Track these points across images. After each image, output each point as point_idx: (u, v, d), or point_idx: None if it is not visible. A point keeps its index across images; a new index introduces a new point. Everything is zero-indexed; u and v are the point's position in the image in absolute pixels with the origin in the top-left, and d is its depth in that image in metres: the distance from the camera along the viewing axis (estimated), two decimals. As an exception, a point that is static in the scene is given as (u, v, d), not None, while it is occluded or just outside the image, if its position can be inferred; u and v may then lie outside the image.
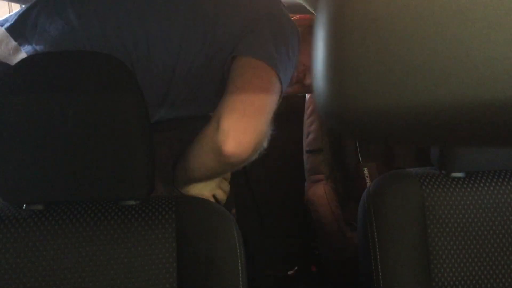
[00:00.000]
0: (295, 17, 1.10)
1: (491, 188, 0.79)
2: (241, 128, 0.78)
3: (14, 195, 0.66)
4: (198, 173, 0.89)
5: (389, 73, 0.21)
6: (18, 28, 0.87)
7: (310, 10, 1.08)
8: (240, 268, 0.70)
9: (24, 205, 0.70)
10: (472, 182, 0.79)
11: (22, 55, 0.85)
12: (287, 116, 1.28)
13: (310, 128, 1.48)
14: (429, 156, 0.84)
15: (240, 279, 0.69)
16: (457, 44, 0.20)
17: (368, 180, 1.37)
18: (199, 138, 0.84)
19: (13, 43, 0.86)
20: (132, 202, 0.72)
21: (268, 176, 1.61)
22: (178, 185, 0.94)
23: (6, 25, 0.88)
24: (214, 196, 0.98)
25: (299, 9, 1.20)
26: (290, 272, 1.60)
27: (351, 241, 1.31)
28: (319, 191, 1.38)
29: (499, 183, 0.79)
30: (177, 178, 0.93)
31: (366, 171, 1.38)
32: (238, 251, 0.70)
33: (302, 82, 1.09)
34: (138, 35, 0.86)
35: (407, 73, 0.21)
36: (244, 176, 1.49)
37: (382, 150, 1.46)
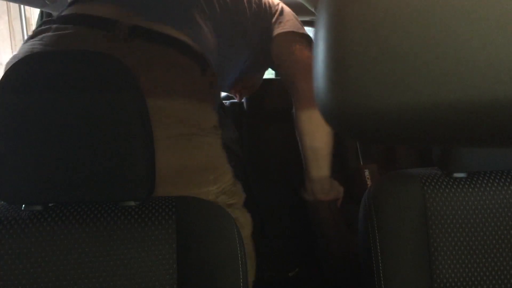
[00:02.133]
0: None
1: (493, 188, 0.78)
2: None
3: (13, 195, 0.66)
4: (326, 153, 1.11)
5: (390, 73, 0.21)
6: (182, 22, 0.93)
7: (311, 9, 1.08)
8: (240, 269, 0.69)
9: (23, 205, 0.70)
10: (474, 182, 0.79)
11: None
12: (287, 115, 1.28)
13: (310, 129, 1.47)
14: (430, 157, 0.84)
15: (241, 280, 0.69)
16: (459, 43, 0.20)
17: (369, 181, 1.37)
18: (308, 128, 1.10)
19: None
20: (132, 203, 0.71)
21: (268, 176, 1.60)
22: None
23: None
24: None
25: (300, 9, 1.21)
26: (291, 274, 1.60)
27: (351, 243, 1.31)
28: None
29: (501, 184, 0.79)
30: (318, 187, 1.17)
31: (367, 173, 1.38)
32: (238, 252, 0.70)
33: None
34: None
35: (408, 73, 0.21)
36: (244, 177, 1.49)
37: (383, 152, 1.46)
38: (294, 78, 1.07)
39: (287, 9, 1.17)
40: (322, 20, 0.23)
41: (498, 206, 0.78)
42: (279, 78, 1.73)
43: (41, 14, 1.51)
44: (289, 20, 1.12)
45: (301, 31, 1.12)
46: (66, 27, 0.86)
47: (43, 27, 0.90)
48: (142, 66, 0.82)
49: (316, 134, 1.10)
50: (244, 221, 0.96)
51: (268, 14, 1.13)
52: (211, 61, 0.94)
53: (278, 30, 1.10)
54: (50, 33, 0.86)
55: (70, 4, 0.94)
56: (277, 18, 1.13)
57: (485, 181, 0.79)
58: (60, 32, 0.86)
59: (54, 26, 0.88)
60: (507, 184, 0.79)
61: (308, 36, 1.13)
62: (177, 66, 0.86)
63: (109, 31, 0.85)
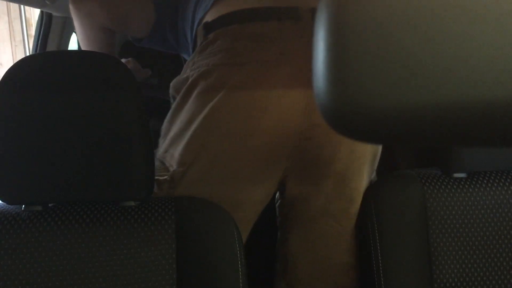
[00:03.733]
0: None
1: (493, 188, 0.78)
2: None
3: (13, 195, 0.66)
4: None
5: (390, 73, 0.21)
6: None
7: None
8: (240, 269, 0.69)
9: (23, 205, 0.70)
10: (474, 182, 0.79)
11: None
12: None
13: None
14: (430, 157, 0.84)
15: (240, 280, 0.69)
16: (458, 44, 0.20)
17: None
18: None
19: None
20: (131, 203, 0.71)
21: None
22: None
23: None
24: None
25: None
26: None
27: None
28: None
29: (501, 184, 0.79)
30: None
31: None
32: (238, 251, 0.70)
33: None
34: None
35: (408, 73, 0.21)
36: None
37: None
38: None
39: None
40: (322, 20, 0.23)
41: (498, 206, 0.77)
42: None
43: (41, 14, 1.51)
44: None
45: None
46: (250, 25, 0.82)
47: (209, 37, 0.84)
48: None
49: None
50: None
51: None
52: None
53: None
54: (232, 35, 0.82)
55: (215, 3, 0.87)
56: None
57: (485, 181, 0.79)
58: (249, 30, 0.81)
59: (230, 27, 0.82)
60: (507, 184, 0.79)
61: None
62: None
63: (297, 19, 0.82)
